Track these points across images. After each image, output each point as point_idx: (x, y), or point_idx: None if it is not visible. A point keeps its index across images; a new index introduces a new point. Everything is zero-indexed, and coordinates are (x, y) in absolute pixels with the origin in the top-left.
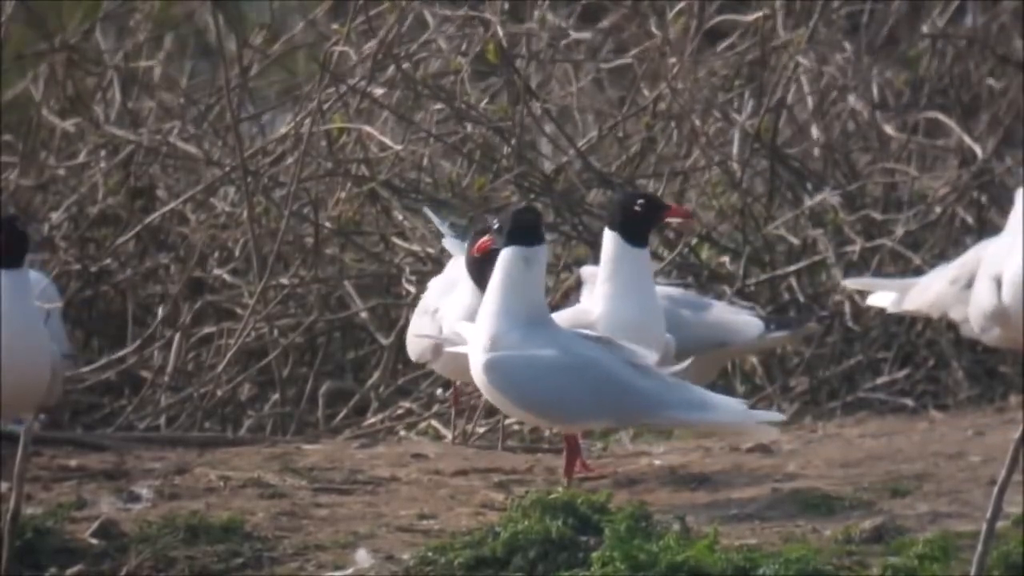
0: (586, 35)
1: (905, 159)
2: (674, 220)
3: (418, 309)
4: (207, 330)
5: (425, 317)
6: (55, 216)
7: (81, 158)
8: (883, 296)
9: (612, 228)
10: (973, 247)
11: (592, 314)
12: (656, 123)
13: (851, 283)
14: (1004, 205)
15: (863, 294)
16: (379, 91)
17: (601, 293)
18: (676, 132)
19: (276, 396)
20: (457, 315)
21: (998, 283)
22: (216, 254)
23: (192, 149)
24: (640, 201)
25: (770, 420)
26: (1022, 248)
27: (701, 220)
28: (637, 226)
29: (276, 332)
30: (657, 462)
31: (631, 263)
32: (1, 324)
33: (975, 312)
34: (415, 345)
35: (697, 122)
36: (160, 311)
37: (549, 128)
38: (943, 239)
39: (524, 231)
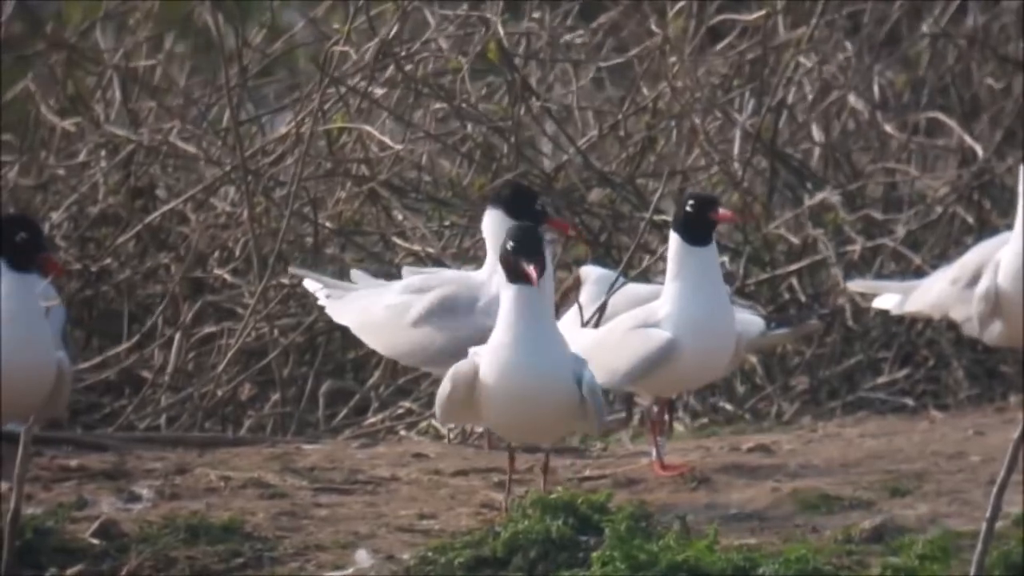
0: (582, 32)
1: (906, 159)
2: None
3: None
4: (207, 330)
5: None
6: (55, 216)
7: (81, 157)
8: (887, 299)
9: (674, 229)
10: (973, 247)
11: (658, 314)
12: (656, 122)
13: (854, 286)
14: (1004, 205)
15: (866, 296)
16: (379, 91)
17: (668, 292)
18: (676, 131)
19: (276, 396)
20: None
21: (995, 271)
22: (216, 254)
23: (192, 149)
24: (691, 201)
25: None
26: (1020, 236)
27: (746, 219)
28: (693, 226)
29: (276, 332)
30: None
31: (693, 262)
32: (2, 325)
33: (975, 303)
34: None
35: (697, 121)
36: (160, 310)
37: (549, 127)
38: (943, 239)
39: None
